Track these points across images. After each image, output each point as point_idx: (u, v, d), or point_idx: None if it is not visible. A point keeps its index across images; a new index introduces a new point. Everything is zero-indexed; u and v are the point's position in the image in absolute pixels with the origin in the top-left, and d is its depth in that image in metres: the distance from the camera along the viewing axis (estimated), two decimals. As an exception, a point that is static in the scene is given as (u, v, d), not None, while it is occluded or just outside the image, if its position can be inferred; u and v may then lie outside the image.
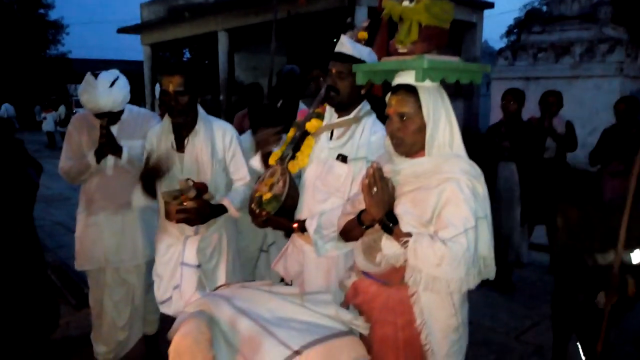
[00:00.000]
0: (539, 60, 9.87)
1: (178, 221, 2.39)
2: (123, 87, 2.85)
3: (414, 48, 1.53)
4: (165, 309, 2.66)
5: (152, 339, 3.22)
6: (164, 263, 2.63)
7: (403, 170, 1.63)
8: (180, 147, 2.53)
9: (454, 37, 12.47)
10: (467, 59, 12.68)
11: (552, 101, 4.93)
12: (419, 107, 1.57)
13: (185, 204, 2.36)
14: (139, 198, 2.68)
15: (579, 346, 2.66)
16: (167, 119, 2.53)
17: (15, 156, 3.04)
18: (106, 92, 2.76)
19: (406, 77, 1.57)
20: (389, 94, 1.64)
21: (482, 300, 4.17)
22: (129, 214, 2.93)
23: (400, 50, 1.55)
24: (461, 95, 12.12)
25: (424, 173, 1.59)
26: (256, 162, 2.63)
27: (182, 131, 2.51)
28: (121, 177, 2.86)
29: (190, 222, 2.40)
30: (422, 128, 1.58)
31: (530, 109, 5.48)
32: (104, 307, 2.98)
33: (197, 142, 2.51)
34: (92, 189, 2.90)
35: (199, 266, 2.60)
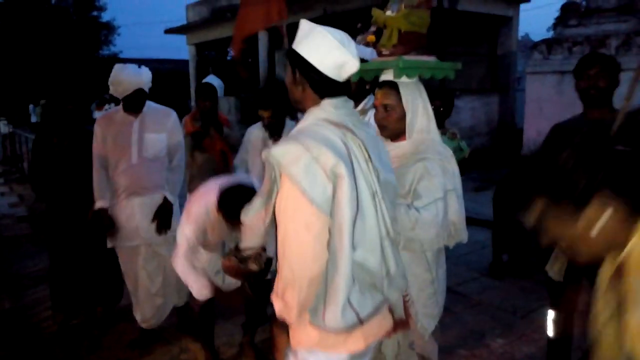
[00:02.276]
0: (574, 54, 9.83)
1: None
2: (147, 71, 3.31)
3: (395, 50, 1.86)
4: (199, 293, 2.83)
5: (182, 309, 3.60)
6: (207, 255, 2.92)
7: (389, 152, 1.96)
8: None
9: (488, 31, 12.50)
10: (502, 53, 12.67)
11: None
12: (400, 99, 1.90)
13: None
14: None
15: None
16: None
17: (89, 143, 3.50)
18: (134, 70, 3.25)
19: (389, 75, 1.91)
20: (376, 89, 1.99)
21: (496, 284, 4.43)
22: (157, 196, 3.32)
23: (384, 53, 1.89)
24: (496, 90, 12.16)
25: (404, 154, 1.92)
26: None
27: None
28: (145, 164, 3.27)
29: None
30: (403, 117, 1.92)
31: (566, 104, 5.57)
32: (139, 278, 3.37)
33: None
34: (121, 178, 3.27)
35: None
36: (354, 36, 2.68)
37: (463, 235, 2.00)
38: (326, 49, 1.54)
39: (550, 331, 2.90)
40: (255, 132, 3.41)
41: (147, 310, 3.41)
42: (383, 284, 1.55)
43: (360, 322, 1.50)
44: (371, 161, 1.56)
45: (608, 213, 1.06)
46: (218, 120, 3.91)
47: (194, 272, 2.68)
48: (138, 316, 3.44)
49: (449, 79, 2.09)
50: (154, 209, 3.30)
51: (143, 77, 3.25)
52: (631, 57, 9.40)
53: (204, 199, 2.69)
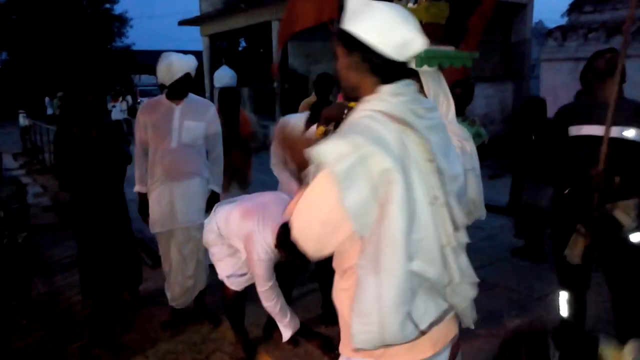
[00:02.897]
0: (589, 41, 9.80)
1: None
2: (193, 58, 3.48)
3: (417, 41, 1.96)
4: (230, 282, 3.07)
5: (201, 293, 3.70)
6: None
7: None
8: None
9: (503, 18, 12.45)
10: (517, 40, 12.63)
11: None
12: (422, 87, 2.00)
13: None
14: None
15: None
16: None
17: (113, 134, 3.76)
18: (182, 55, 3.42)
19: (411, 64, 2.00)
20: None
21: (512, 269, 4.53)
22: (192, 181, 3.47)
23: (407, 43, 1.99)
24: (510, 77, 12.15)
25: None
26: (297, 119, 3.40)
27: None
28: (183, 150, 3.42)
29: None
30: None
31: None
32: (174, 261, 3.53)
33: None
34: (161, 162, 3.41)
35: None
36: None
37: (482, 212, 2.08)
38: (388, 26, 1.37)
39: (564, 312, 3.01)
40: (299, 120, 3.43)
41: (177, 290, 3.58)
42: (446, 292, 1.45)
43: (422, 333, 1.41)
44: (435, 161, 1.40)
45: None
46: (237, 130, 4.20)
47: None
48: (169, 294, 3.62)
49: (466, 67, 2.19)
50: (191, 194, 3.46)
51: (191, 62, 3.42)
52: (635, 44, 9.35)
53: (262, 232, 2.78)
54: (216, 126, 3.60)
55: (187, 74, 3.39)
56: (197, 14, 18.67)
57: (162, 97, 3.50)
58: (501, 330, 3.34)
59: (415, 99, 1.47)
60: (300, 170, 1.57)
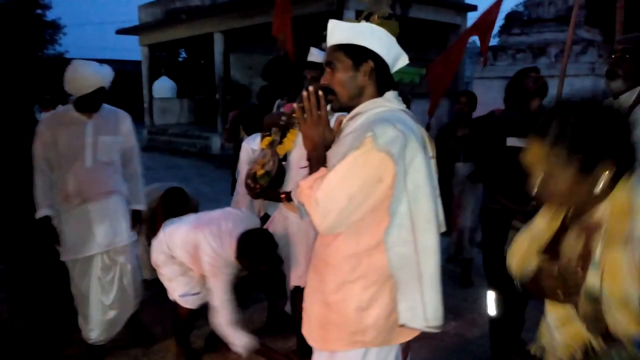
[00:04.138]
0: (517, 61, 10.42)
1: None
2: (109, 69, 3.11)
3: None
4: (187, 301, 3.06)
5: (133, 316, 3.41)
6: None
7: None
8: None
9: (439, 37, 13.02)
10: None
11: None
12: None
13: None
14: None
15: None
16: None
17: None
18: (96, 67, 3.05)
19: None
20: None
21: (446, 276, 4.74)
22: (111, 200, 3.16)
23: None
24: (446, 94, 12.69)
25: None
26: (256, 144, 3.24)
27: None
28: (99, 168, 3.10)
29: None
30: None
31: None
32: (92, 291, 3.16)
33: None
34: (73, 182, 3.05)
35: None
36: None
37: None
38: (389, 42, 1.62)
39: (492, 311, 3.21)
40: (253, 143, 3.43)
41: (97, 325, 3.20)
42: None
43: None
44: (434, 158, 1.65)
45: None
46: None
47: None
48: (84, 331, 3.22)
49: (402, 84, 2.34)
50: (111, 214, 3.16)
51: (106, 75, 3.08)
52: (568, 64, 10.06)
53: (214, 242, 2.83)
54: (133, 139, 3.33)
55: (100, 89, 3.03)
56: (136, 23, 18.30)
57: (70, 110, 3.12)
58: (439, 334, 3.52)
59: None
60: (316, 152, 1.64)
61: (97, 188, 3.11)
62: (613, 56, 2.48)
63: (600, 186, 1.20)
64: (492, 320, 3.22)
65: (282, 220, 2.97)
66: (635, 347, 1.13)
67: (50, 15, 32.34)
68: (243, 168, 3.42)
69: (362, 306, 1.57)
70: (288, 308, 3.44)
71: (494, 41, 12.25)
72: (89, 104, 3.07)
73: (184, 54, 29.62)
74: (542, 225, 1.42)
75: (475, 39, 6.08)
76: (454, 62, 5.02)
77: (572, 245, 1.29)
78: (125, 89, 23.32)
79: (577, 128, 1.20)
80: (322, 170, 1.57)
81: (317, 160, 1.61)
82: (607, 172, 1.19)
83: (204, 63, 23.10)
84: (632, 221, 1.15)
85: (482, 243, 3.33)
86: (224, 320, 2.79)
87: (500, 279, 3.15)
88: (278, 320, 3.59)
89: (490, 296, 3.19)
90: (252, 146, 3.42)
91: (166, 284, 3.10)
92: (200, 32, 15.11)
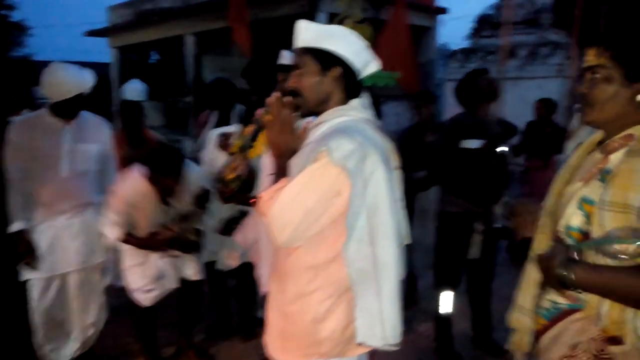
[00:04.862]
0: (488, 62, 10.61)
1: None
2: (90, 74, 2.96)
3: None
4: (138, 296, 3.01)
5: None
6: (144, 258, 3.01)
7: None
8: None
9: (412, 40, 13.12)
10: (423, 61, 13.33)
11: None
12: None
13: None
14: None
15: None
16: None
17: None
18: (77, 71, 2.89)
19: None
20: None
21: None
22: (87, 214, 3.02)
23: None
24: (410, 97, 12.81)
25: None
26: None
27: None
28: (75, 178, 2.94)
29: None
30: None
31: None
32: (72, 312, 3.03)
33: None
34: (47, 193, 2.88)
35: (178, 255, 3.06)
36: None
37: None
38: (359, 47, 1.58)
39: (445, 310, 3.27)
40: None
41: (74, 347, 3.10)
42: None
43: None
44: (399, 169, 1.64)
45: None
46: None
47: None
48: (55, 355, 3.05)
49: (375, 86, 2.33)
50: (86, 228, 3.01)
51: (86, 82, 2.93)
52: (536, 66, 10.28)
53: (127, 183, 2.85)
54: (110, 148, 3.22)
55: (79, 95, 2.89)
56: (106, 24, 17.97)
57: (45, 114, 2.93)
58: (412, 336, 3.53)
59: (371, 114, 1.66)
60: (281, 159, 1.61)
61: (73, 200, 2.96)
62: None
63: None
64: (441, 318, 3.29)
65: (254, 225, 2.93)
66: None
67: (16, 16, 31.39)
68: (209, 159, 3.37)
69: (318, 318, 1.55)
70: (260, 314, 3.40)
71: (465, 43, 12.42)
72: (67, 109, 2.91)
73: (155, 56, 29.27)
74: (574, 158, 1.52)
75: (446, 41, 6.13)
76: (402, 39, 4.65)
77: (595, 159, 1.40)
78: (95, 91, 22.88)
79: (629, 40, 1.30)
80: (284, 181, 1.54)
81: (282, 170, 1.58)
82: None
83: (176, 65, 22.82)
84: None
85: (437, 245, 3.35)
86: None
87: (454, 280, 3.25)
88: (250, 326, 3.54)
89: (445, 295, 3.26)
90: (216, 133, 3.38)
91: (125, 272, 3.04)
92: (172, 34, 14.93)
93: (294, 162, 1.57)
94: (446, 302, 3.28)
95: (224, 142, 3.19)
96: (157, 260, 3.02)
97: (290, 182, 1.50)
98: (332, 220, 1.50)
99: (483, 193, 3.11)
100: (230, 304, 3.71)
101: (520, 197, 5.80)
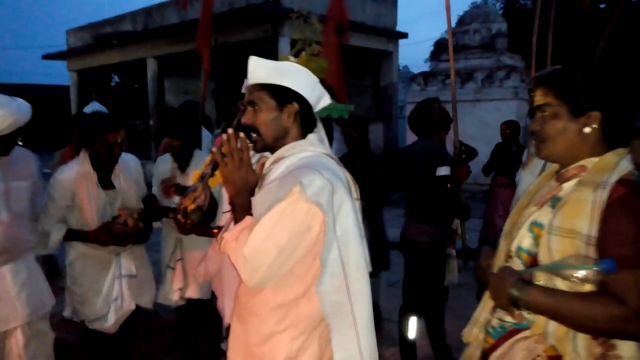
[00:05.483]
0: (447, 86, 10.89)
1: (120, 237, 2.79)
2: (27, 105, 2.63)
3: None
4: (99, 325, 2.87)
5: None
6: (99, 281, 2.86)
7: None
8: (105, 185, 2.88)
9: (372, 63, 13.39)
10: (385, 84, 13.61)
11: None
12: None
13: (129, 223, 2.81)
14: (57, 239, 2.77)
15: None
16: (85, 161, 2.81)
17: None
18: (15, 105, 2.56)
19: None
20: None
21: (388, 301, 4.77)
22: (29, 259, 2.75)
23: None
24: (381, 118, 13.02)
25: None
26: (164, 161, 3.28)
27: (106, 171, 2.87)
28: (15, 221, 2.62)
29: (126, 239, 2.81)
30: None
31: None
32: None
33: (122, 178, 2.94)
34: None
35: (135, 276, 2.94)
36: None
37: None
38: (312, 83, 1.60)
39: (412, 334, 3.29)
40: (162, 165, 3.37)
41: None
42: None
43: None
44: (359, 200, 1.65)
45: None
46: None
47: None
48: None
49: (330, 117, 2.34)
50: (32, 276, 2.72)
51: (25, 114, 2.57)
52: (493, 89, 10.60)
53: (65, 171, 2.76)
54: (39, 182, 2.85)
55: (18, 130, 2.56)
56: (64, 47, 17.67)
57: None
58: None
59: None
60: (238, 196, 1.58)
61: (15, 245, 2.63)
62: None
63: (589, 129, 1.37)
64: (408, 343, 3.34)
65: (216, 256, 2.88)
66: (603, 268, 1.24)
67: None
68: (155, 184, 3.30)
69: (291, 356, 1.52)
70: (225, 346, 3.33)
71: (425, 67, 12.73)
72: (3, 146, 2.55)
73: (116, 79, 28.90)
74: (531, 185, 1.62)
75: (407, 64, 6.30)
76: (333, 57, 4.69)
77: (550, 186, 1.48)
78: (53, 114, 22.38)
79: (576, 79, 1.38)
80: (248, 219, 1.52)
81: (241, 207, 1.55)
82: (595, 116, 1.37)
83: (138, 88, 22.56)
84: (609, 174, 1.31)
85: (408, 274, 3.36)
86: None
87: (423, 306, 3.29)
88: (215, 358, 3.46)
89: (413, 321, 3.29)
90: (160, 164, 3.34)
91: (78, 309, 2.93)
92: (133, 57, 14.78)
93: (258, 200, 1.55)
94: (413, 327, 3.31)
95: (165, 188, 3.14)
96: (111, 284, 2.91)
97: (257, 220, 1.47)
98: (302, 255, 1.49)
99: (449, 218, 3.20)
100: (197, 336, 3.63)
101: (486, 214, 5.95)
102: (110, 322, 2.89)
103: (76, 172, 2.82)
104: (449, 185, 3.15)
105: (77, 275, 2.90)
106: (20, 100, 2.60)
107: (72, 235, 2.82)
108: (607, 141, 1.40)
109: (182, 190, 2.81)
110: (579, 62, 1.48)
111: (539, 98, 1.44)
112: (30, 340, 2.71)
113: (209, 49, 4.25)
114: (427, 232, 3.16)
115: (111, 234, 2.77)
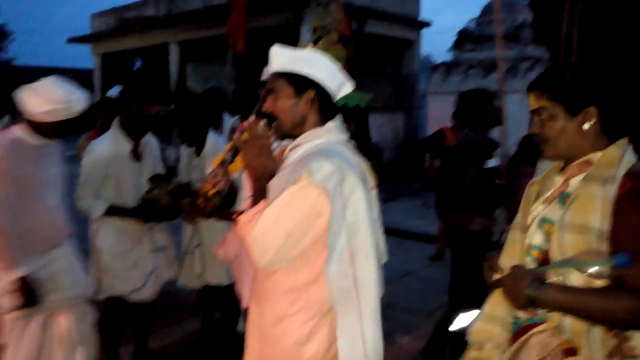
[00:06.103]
0: (469, 76, 10.74)
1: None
2: (84, 95, 2.61)
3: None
4: (137, 296, 3.01)
5: None
6: (134, 255, 3.00)
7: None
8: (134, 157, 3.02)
9: (394, 52, 13.28)
10: (406, 73, 13.49)
11: None
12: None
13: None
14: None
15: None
16: (118, 132, 2.94)
17: None
18: (79, 92, 2.55)
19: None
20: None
21: (399, 291, 4.80)
22: (71, 244, 2.79)
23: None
24: (401, 108, 12.93)
25: None
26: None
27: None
28: (60, 205, 2.70)
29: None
30: None
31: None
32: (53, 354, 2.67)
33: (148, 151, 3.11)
34: (40, 226, 2.55)
35: (167, 247, 3.13)
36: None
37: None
38: (333, 70, 1.62)
39: (457, 326, 3.26)
40: (183, 150, 3.47)
41: None
42: None
43: None
44: (375, 189, 1.66)
45: None
46: None
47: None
48: None
49: (347, 106, 2.35)
50: (74, 260, 2.79)
51: (83, 101, 2.56)
52: (517, 80, 10.42)
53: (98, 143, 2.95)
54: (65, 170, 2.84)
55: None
56: (88, 31, 17.86)
57: (25, 134, 2.47)
58: (392, 348, 3.55)
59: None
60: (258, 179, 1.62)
61: (63, 229, 2.70)
62: None
63: (588, 125, 1.38)
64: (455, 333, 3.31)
65: (235, 239, 2.93)
66: (617, 263, 1.24)
67: (-2, 20, 31.03)
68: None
69: (301, 340, 1.56)
70: (241, 328, 3.39)
71: (447, 56, 12.59)
72: (61, 130, 2.53)
73: (139, 64, 29.09)
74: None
75: (429, 53, 6.31)
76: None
77: (555, 181, 1.50)
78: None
79: (566, 79, 1.40)
80: (262, 203, 1.55)
81: (260, 192, 1.58)
82: (592, 111, 1.38)
83: (161, 73, 22.72)
84: (616, 169, 1.32)
85: (460, 266, 3.31)
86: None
87: (472, 300, 3.24)
88: (233, 342, 3.52)
89: (469, 315, 3.26)
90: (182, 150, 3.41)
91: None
92: (156, 42, 14.90)
93: (273, 185, 1.58)
94: (466, 320, 3.24)
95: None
96: (147, 257, 3.04)
97: (269, 204, 1.51)
98: (313, 241, 1.52)
99: (495, 208, 3.36)
100: (215, 319, 3.68)
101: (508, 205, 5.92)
102: (149, 292, 3.06)
103: (109, 143, 2.95)
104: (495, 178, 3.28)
105: (112, 250, 2.99)
106: (79, 90, 2.58)
107: (114, 211, 2.92)
108: (607, 134, 1.40)
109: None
110: (567, 62, 1.51)
111: (533, 102, 1.46)
112: (83, 317, 2.80)
113: (244, 32, 4.26)
114: (478, 221, 3.18)
115: (153, 210, 2.89)
